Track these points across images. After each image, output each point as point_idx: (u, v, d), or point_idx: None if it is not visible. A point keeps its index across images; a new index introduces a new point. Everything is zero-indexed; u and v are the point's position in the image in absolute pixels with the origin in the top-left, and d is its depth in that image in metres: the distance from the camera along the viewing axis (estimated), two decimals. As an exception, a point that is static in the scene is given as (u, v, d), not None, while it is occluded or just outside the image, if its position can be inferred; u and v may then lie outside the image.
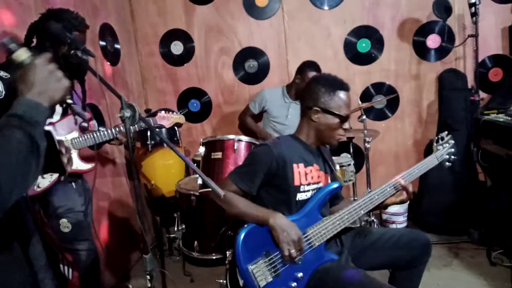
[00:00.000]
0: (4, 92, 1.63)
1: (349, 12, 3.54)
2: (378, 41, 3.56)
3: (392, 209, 3.23)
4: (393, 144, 3.70)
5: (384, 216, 3.37)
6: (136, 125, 2.10)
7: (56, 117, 1.93)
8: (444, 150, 1.95)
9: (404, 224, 3.36)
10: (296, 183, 1.68)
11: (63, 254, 2.04)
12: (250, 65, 3.71)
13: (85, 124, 2.08)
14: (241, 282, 1.51)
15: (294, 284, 1.55)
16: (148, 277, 1.70)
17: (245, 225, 1.56)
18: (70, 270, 2.08)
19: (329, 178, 1.84)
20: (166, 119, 2.35)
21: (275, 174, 1.65)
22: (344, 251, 1.75)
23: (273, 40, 3.65)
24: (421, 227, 3.25)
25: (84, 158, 2.07)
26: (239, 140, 2.59)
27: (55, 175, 1.86)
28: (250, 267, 1.50)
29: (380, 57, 3.58)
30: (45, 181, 1.87)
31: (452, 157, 1.96)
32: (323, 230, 1.62)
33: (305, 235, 1.59)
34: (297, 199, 1.69)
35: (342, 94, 1.70)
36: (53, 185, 1.89)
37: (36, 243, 1.24)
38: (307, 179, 1.70)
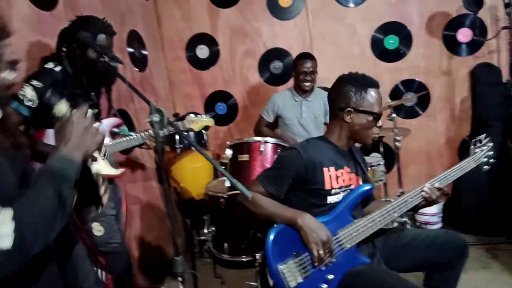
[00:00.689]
0: (37, 101, 1.70)
1: (375, 8, 3.48)
2: (406, 37, 3.48)
3: (425, 209, 3.14)
4: (425, 142, 3.60)
5: (418, 217, 3.28)
6: (165, 130, 2.13)
7: None
8: (482, 153, 1.84)
9: (439, 225, 3.27)
10: (327, 187, 1.66)
11: (96, 257, 2.09)
12: (275, 66, 3.70)
13: (115, 130, 2.13)
14: (271, 282, 1.51)
15: (325, 286, 1.54)
16: (180, 279, 1.72)
17: (275, 225, 1.57)
18: (104, 273, 2.13)
19: (360, 180, 1.81)
20: (195, 122, 2.37)
21: (304, 178, 1.64)
22: (376, 254, 1.72)
23: (298, 40, 3.63)
24: (456, 228, 3.12)
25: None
26: (266, 142, 2.59)
27: None
28: (280, 267, 1.50)
29: (409, 53, 3.50)
30: None
31: (491, 160, 1.85)
32: (354, 232, 1.60)
33: (336, 237, 1.58)
34: (328, 202, 1.67)
35: (373, 92, 1.68)
36: None
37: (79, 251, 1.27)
38: (338, 182, 1.68)
